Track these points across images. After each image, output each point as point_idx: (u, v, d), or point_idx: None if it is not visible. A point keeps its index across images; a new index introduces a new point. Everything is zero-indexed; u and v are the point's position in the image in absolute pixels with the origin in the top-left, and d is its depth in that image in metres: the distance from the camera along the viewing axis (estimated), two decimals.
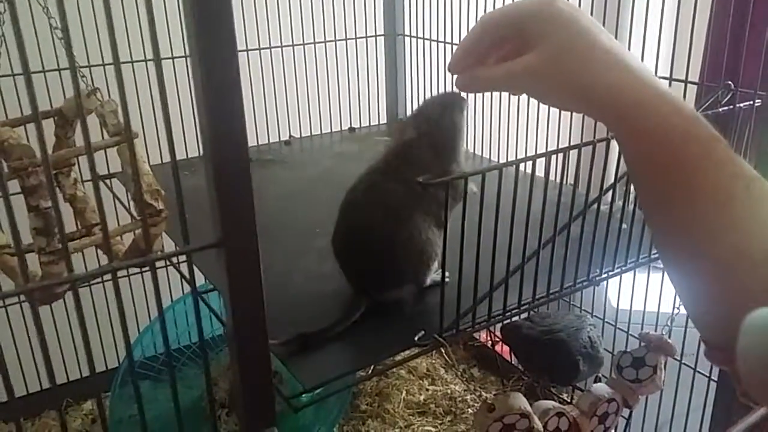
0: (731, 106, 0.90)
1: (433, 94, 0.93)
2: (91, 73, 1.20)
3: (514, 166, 0.69)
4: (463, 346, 1.88)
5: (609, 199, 0.83)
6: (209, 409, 0.59)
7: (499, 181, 0.68)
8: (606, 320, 1.41)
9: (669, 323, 1.07)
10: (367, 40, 1.59)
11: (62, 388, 1.57)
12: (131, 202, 1.06)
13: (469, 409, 1.64)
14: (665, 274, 0.51)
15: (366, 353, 0.74)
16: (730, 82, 0.92)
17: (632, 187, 0.55)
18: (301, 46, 1.57)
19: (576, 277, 0.82)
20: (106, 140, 0.86)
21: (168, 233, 0.88)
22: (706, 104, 0.91)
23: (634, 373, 0.98)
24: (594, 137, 0.75)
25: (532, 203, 0.71)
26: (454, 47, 0.60)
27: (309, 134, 1.58)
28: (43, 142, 0.42)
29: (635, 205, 0.85)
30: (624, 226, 0.85)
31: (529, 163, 0.70)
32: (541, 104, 0.57)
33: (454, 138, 0.83)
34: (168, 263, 0.78)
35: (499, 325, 1.24)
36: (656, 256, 0.89)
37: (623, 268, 0.87)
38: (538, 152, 0.71)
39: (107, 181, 1.18)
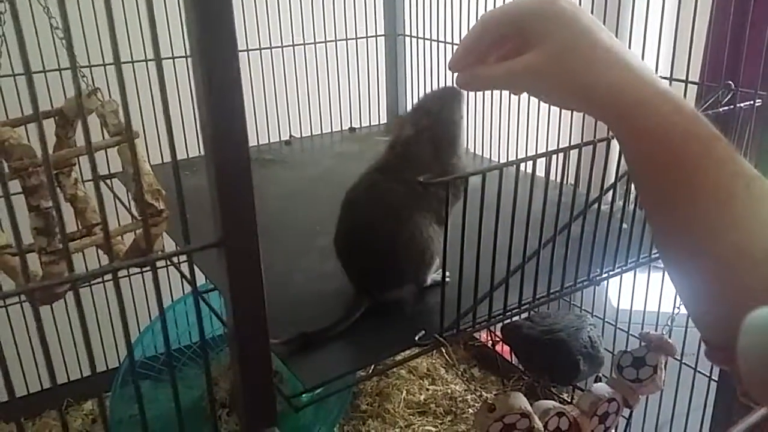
0: (732, 106, 0.90)
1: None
2: (91, 73, 1.20)
3: (515, 165, 0.69)
4: (463, 346, 1.88)
5: (609, 198, 0.83)
6: (210, 408, 0.59)
7: (499, 181, 0.68)
8: (606, 320, 1.41)
9: (669, 323, 1.07)
10: (367, 40, 1.59)
11: (63, 388, 1.57)
12: (132, 202, 1.06)
13: (470, 409, 1.64)
14: (666, 273, 0.51)
15: (366, 353, 0.74)
16: (730, 82, 0.92)
17: (632, 186, 0.55)
18: (302, 46, 1.57)
19: (576, 277, 0.82)
20: (106, 140, 0.86)
21: (169, 233, 0.88)
22: (707, 104, 0.91)
23: (634, 373, 0.98)
24: (594, 137, 0.75)
25: (532, 203, 0.71)
26: (455, 47, 0.60)
27: (309, 134, 1.58)
28: (44, 142, 0.42)
29: (636, 205, 0.85)
30: (624, 225, 0.85)
31: (530, 163, 0.70)
32: (541, 104, 0.57)
33: (453, 132, 0.83)
34: (169, 263, 0.78)
35: (499, 325, 1.24)
36: (656, 255, 0.89)
37: (624, 268, 0.87)
38: (539, 152, 0.71)
39: (108, 181, 1.18)
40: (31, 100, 0.40)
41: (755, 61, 0.91)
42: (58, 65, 1.24)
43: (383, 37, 1.59)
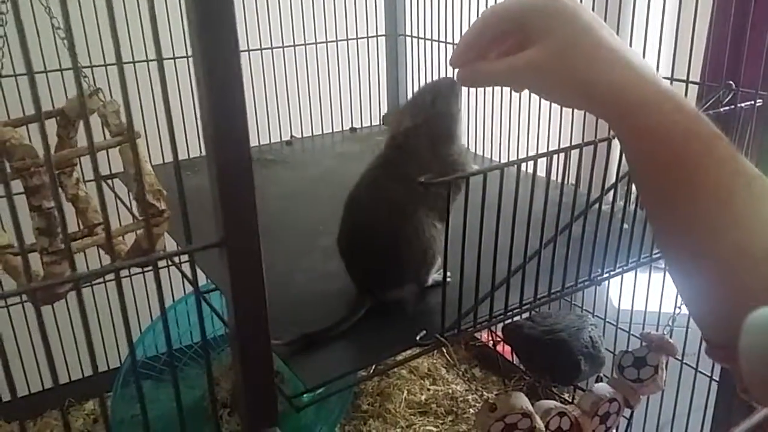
0: (732, 106, 0.90)
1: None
2: (93, 73, 1.20)
3: (516, 165, 0.69)
4: (464, 346, 1.88)
5: (610, 198, 0.83)
6: (211, 408, 0.59)
7: (500, 181, 0.68)
8: (607, 320, 1.41)
9: (670, 323, 1.07)
10: (368, 41, 1.59)
11: (64, 388, 1.58)
12: (133, 202, 1.06)
13: (471, 409, 1.64)
14: (667, 273, 0.51)
15: (367, 353, 0.75)
16: (731, 82, 0.92)
17: (633, 186, 0.55)
18: (303, 47, 1.58)
19: (577, 277, 0.82)
20: (108, 140, 0.86)
21: (170, 233, 0.88)
22: (708, 104, 0.91)
23: (635, 373, 0.98)
24: (595, 137, 0.75)
25: (533, 203, 0.71)
26: (456, 47, 0.60)
27: (310, 134, 1.58)
28: (46, 142, 0.42)
29: (636, 205, 0.85)
30: (625, 225, 0.85)
31: (531, 163, 0.70)
32: (542, 104, 0.57)
33: (450, 123, 0.82)
34: (170, 263, 0.78)
35: (500, 325, 1.24)
36: (657, 255, 0.89)
37: (624, 268, 0.87)
38: (540, 152, 0.71)
39: (109, 182, 1.18)
40: (33, 101, 0.40)
41: (756, 62, 0.91)
42: (60, 65, 1.24)
43: (384, 37, 1.59)
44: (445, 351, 1.82)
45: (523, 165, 0.70)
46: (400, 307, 0.81)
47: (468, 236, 0.69)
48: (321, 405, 1.43)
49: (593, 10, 1.03)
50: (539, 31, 0.52)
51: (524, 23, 0.53)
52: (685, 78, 0.97)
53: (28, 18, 1.17)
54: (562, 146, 0.72)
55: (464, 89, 0.84)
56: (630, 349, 1.01)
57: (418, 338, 0.72)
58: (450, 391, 1.71)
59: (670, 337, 1.00)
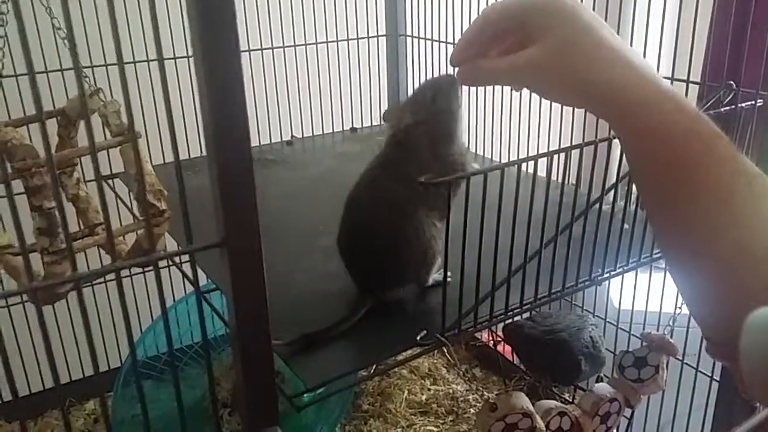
0: (733, 106, 0.90)
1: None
2: (93, 74, 1.20)
3: (516, 165, 0.69)
4: (465, 346, 1.88)
5: (611, 198, 0.83)
6: (212, 408, 0.59)
7: (501, 181, 0.68)
8: (608, 320, 1.41)
9: (671, 323, 1.07)
10: (368, 41, 1.59)
11: (65, 388, 1.58)
12: (133, 202, 1.06)
13: (471, 409, 1.64)
14: (667, 273, 0.52)
15: (368, 352, 0.75)
16: (731, 82, 0.92)
17: (634, 186, 0.55)
18: (303, 47, 1.58)
19: (578, 277, 0.82)
20: (109, 140, 0.86)
21: (171, 233, 0.88)
22: (708, 104, 0.91)
23: (636, 373, 0.98)
24: (596, 137, 0.75)
25: (534, 203, 0.71)
26: None
27: (311, 134, 1.58)
28: (47, 142, 0.42)
29: (637, 205, 0.85)
30: (626, 226, 0.85)
31: (531, 163, 0.70)
32: (543, 104, 0.57)
33: (450, 121, 0.82)
34: (170, 263, 0.78)
35: (501, 325, 1.24)
36: (658, 255, 0.89)
37: (625, 268, 0.87)
38: (540, 152, 0.71)
39: (110, 181, 1.18)
40: (34, 101, 0.40)
41: (756, 62, 0.91)
42: (60, 65, 1.24)
43: (384, 38, 1.59)
44: (445, 351, 1.82)
45: (524, 165, 0.70)
46: (400, 307, 0.81)
47: (468, 236, 0.69)
48: (321, 405, 1.43)
49: (594, 9, 1.03)
50: (539, 30, 0.52)
51: (524, 21, 0.53)
52: (685, 78, 0.97)
53: (28, 18, 1.17)
54: (562, 146, 0.72)
55: (465, 88, 0.84)
56: (630, 349, 1.01)
57: (418, 338, 0.72)
58: (450, 390, 1.71)
59: (671, 337, 1.00)
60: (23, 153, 0.76)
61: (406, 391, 1.69)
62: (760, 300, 0.35)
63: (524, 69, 0.53)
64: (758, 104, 0.92)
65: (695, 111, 0.48)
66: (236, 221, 0.46)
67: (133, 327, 0.50)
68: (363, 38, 1.59)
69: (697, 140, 0.46)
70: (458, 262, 0.72)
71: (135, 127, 0.48)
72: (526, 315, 1.13)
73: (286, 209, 1.13)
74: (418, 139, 0.80)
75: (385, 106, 1.64)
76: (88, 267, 1.29)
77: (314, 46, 1.58)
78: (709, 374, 1.20)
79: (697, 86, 1.00)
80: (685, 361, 1.22)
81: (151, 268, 0.48)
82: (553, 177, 0.75)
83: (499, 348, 1.75)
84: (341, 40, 1.58)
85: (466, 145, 0.85)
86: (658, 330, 1.03)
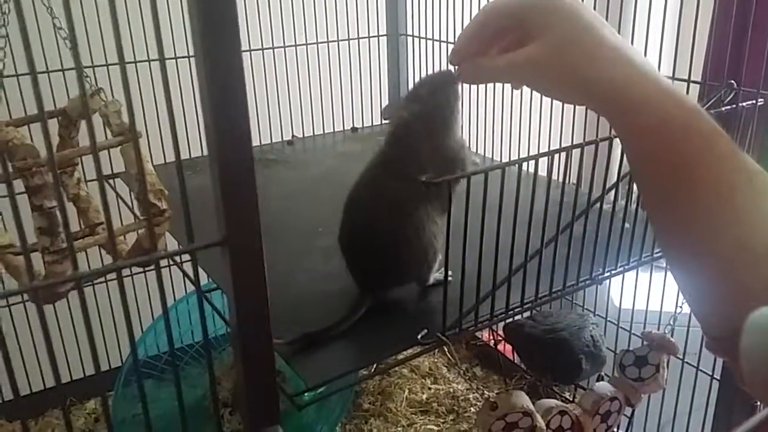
0: (734, 106, 0.90)
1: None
2: (94, 73, 1.20)
3: (517, 165, 0.69)
4: (465, 345, 1.88)
5: (611, 198, 0.83)
6: (213, 407, 0.59)
7: (501, 180, 0.68)
8: (608, 319, 1.41)
9: (671, 322, 1.07)
10: (369, 40, 1.59)
11: (65, 387, 1.58)
12: (134, 202, 1.06)
13: (472, 408, 1.64)
14: (668, 273, 0.52)
15: (369, 352, 0.75)
16: (732, 82, 0.92)
17: (634, 186, 0.55)
18: (304, 46, 1.58)
19: (578, 276, 0.82)
20: (110, 140, 0.86)
21: (171, 233, 0.88)
22: (709, 103, 0.91)
23: (636, 372, 0.98)
24: (597, 136, 0.75)
25: (534, 202, 0.71)
26: None
27: (312, 134, 1.58)
28: (49, 142, 0.42)
29: (638, 204, 0.85)
30: (626, 225, 0.85)
31: (532, 162, 0.70)
32: (543, 103, 0.57)
33: (447, 115, 0.81)
34: (171, 262, 0.78)
35: (501, 324, 1.24)
36: (658, 255, 0.89)
37: (626, 267, 0.87)
38: (541, 151, 0.71)
39: (111, 181, 1.18)
40: (36, 100, 0.41)
41: (757, 61, 0.91)
42: (61, 65, 1.24)
43: (385, 37, 1.59)
44: (446, 350, 1.82)
45: (525, 164, 0.70)
46: (401, 306, 0.81)
47: (469, 235, 0.69)
48: (322, 404, 1.43)
49: (594, 8, 1.03)
50: (538, 28, 0.52)
51: (524, 19, 0.53)
52: (686, 77, 0.97)
53: (30, 18, 1.17)
54: (563, 146, 0.72)
55: (465, 87, 0.84)
56: (631, 348, 1.01)
57: (419, 337, 0.72)
58: (451, 390, 1.71)
59: (672, 336, 1.00)
60: (24, 152, 0.76)
61: (407, 390, 1.69)
62: (761, 298, 0.36)
63: (523, 67, 0.53)
64: (759, 104, 0.92)
65: (696, 107, 0.48)
66: (237, 220, 0.46)
67: (133, 326, 0.50)
68: (364, 38, 1.59)
69: (697, 137, 0.46)
70: (459, 261, 0.72)
71: (136, 126, 0.48)
72: (526, 314, 1.13)
73: (287, 209, 1.13)
74: (417, 135, 0.79)
75: None
76: (89, 266, 1.29)
77: (315, 45, 1.58)
78: (710, 373, 1.20)
79: (698, 86, 1.00)
80: (685, 360, 1.22)
81: (152, 267, 0.48)
82: (554, 176, 0.75)
83: (500, 347, 1.74)
84: (342, 40, 1.58)
85: (467, 143, 0.85)
86: (658, 329, 1.03)
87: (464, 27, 0.59)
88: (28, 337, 1.35)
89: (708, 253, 0.46)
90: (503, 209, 0.69)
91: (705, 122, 0.47)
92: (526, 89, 0.60)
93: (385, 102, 1.63)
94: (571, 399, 1.36)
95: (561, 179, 0.74)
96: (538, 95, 0.57)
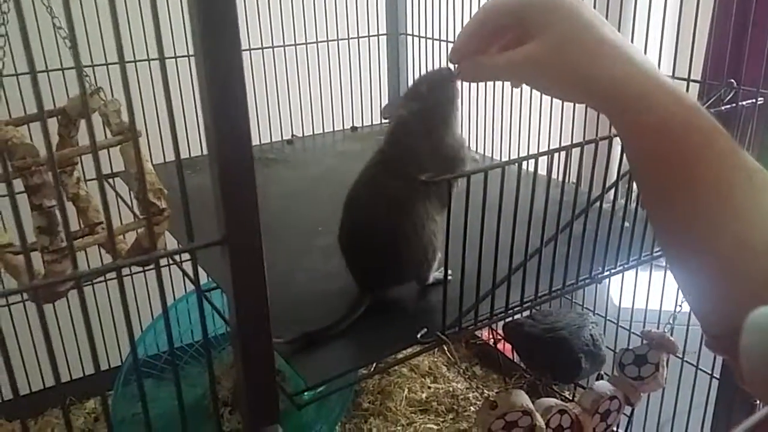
0: (734, 105, 0.90)
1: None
2: (94, 73, 1.20)
3: (517, 164, 0.69)
4: (465, 344, 1.88)
5: (611, 197, 0.83)
6: (212, 407, 0.59)
7: (501, 180, 0.68)
8: (608, 318, 1.41)
9: (671, 321, 1.07)
10: (369, 40, 1.59)
11: (65, 387, 1.58)
12: (134, 201, 1.06)
13: (472, 407, 1.64)
14: (667, 271, 0.52)
15: (368, 351, 0.75)
16: (732, 81, 0.92)
17: (634, 185, 0.55)
18: (304, 46, 1.58)
19: (578, 275, 0.82)
20: (109, 139, 0.86)
21: (171, 232, 0.88)
22: (709, 102, 0.91)
23: (636, 371, 0.98)
24: (596, 135, 0.75)
25: (534, 201, 0.71)
26: None
27: (311, 133, 1.58)
28: (48, 141, 0.42)
29: (637, 203, 0.85)
30: (626, 224, 0.85)
31: (532, 161, 0.70)
32: (543, 103, 0.57)
33: (445, 113, 0.81)
34: (171, 261, 0.78)
35: (501, 323, 1.24)
36: (658, 254, 0.89)
37: (625, 266, 0.87)
38: (541, 150, 0.71)
39: (110, 180, 1.18)
40: (35, 99, 0.41)
41: (757, 60, 0.91)
42: (61, 65, 1.24)
43: (385, 36, 1.59)
44: (445, 349, 1.82)
45: (524, 163, 0.70)
46: (401, 305, 0.81)
47: (469, 234, 0.69)
48: (322, 403, 1.43)
49: (594, 7, 1.03)
50: (537, 26, 0.52)
51: (523, 17, 0.53)
52: (686, 76, 0.97)
53: (29, 17, 1.17)
54: (563, 144, 0.72)
55: (464, 85, 0.84)
56: (631, 347, 1.01)
57: (419, 336, 0.72)
58: (451, 389, 1.71)
59: (671, 334, 1.00)
60: (23, 152, 0.76)
61: (407, 389, 1.69)
62: (760, 295, 0.36)
63: (522, 65, 0.53)
64: (759, 102, 0.92)
65: (696, 105, 0.48)
66: (237, 219, 0.46)
67: (133, 325, 0.50)
68: (363, 37, 1.59)
69: (697, 134, 0.46)
70: (459, 260, 0.72)
71: (135, 126, 0.48)
72: (526, 313, 1.13)
73: (286, 208, 1.13)
74: (416, 134, 0.79)
75: None
76: (89, 266, 1.29)
77: (315, 45, 1.58)
78: (710, 372, 1.20)
79: (698, 84, 1.00)
80: (685, 359, 1.22)
81: (151, 266, 0.48)
82: (554, 175, 0.75)
83: (500, 346, 1.75)
84: (342, 39, 1.58)
85: (466, 142, 0.85)
86: (658, 328, 1.03)
87: (464, 25, 0.59)
88: (28, 336, 1.35)
89: (708, 251, 0.45)
90: (503, 208, 0.69)
91: (705, 120, 0.47)
92: (525, 88, 0.60)
93: (385, 101, 1.63)
94: (570, 398, 1.36)
95: (561, 178, 0.74)
96: (538, 94, 0.57)
